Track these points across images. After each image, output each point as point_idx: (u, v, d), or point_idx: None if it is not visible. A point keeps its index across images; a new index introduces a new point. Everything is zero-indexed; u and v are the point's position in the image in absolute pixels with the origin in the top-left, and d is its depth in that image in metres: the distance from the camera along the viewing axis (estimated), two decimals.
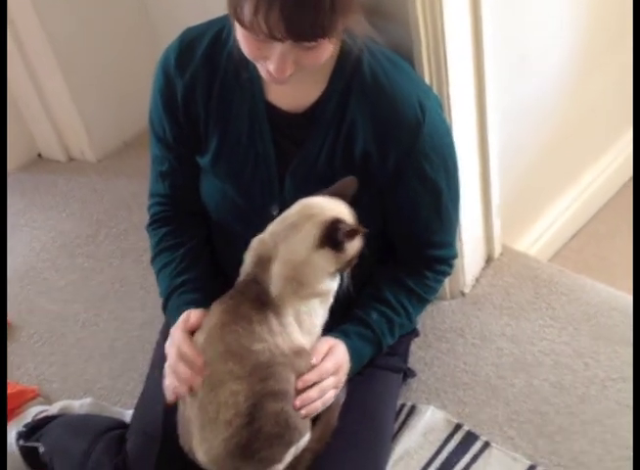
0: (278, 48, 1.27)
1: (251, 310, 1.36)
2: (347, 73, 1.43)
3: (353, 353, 1.50)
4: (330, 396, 1.43)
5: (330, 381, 1.43)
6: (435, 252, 1.59)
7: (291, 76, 1.33)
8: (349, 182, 1.44)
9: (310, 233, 1.37)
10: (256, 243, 1.42)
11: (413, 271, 1.59)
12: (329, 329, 1.48)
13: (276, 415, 1.34)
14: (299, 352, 1.39)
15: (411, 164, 1.46)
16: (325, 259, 1.38)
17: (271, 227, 1.42)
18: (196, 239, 1.62)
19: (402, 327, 1.60)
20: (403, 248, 1.60)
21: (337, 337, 1.49)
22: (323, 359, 1.42)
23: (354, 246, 1.40)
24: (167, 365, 1.43)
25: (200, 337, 1.41)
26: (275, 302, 1.37)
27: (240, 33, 1.31)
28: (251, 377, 1.33)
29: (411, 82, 1.48)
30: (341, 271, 1.43)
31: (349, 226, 1.37)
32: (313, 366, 1.40)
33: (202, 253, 1.63)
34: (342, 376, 1.47)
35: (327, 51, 1.32)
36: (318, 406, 1.41)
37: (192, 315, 1.44)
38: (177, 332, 1.44)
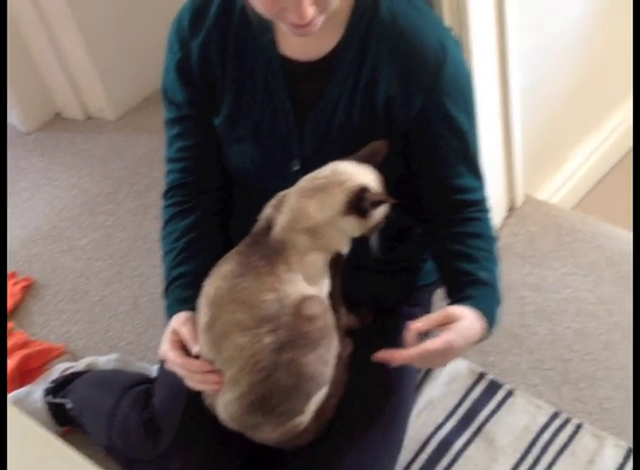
0: None
1: (261, 260, 1.35)
2: (365, 18, 1.40)
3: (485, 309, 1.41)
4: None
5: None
6: (465, 196, 1.52)
7: (315, 25, 1.30)
8: (380, 146, 1.42)
9: (338, 199, 1.36)
10: (281, 195, 1.41)
11: (450, 225, 1.51)
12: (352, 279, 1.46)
13: (287, 364, 1.33)
14: (309, 298, 1.36)
15: (434, 103, 1.43)
16: (350, 225, 1.38)
17: (299, 184, 1.41)
18: (203, 217, 1.57)
19: (488, 259, 1.49)
20: (433, 200, 1.53)
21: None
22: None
23: (379, 212, 1.40)
24: (184, 378, 1.42)
25: (211, 286, 1.39)
26: (281, 244, 1.36)
27: None
28: (258, 329, 1.32)
29: (431, 23, 1.45)
30: (366, 235, 1.42)
31: (375, 196, 1.37)
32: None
33: (207, 236, 1.57)
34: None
35: None
36: None
37: (182, 331, 1.42)
38: (171, 354, 1.41)
